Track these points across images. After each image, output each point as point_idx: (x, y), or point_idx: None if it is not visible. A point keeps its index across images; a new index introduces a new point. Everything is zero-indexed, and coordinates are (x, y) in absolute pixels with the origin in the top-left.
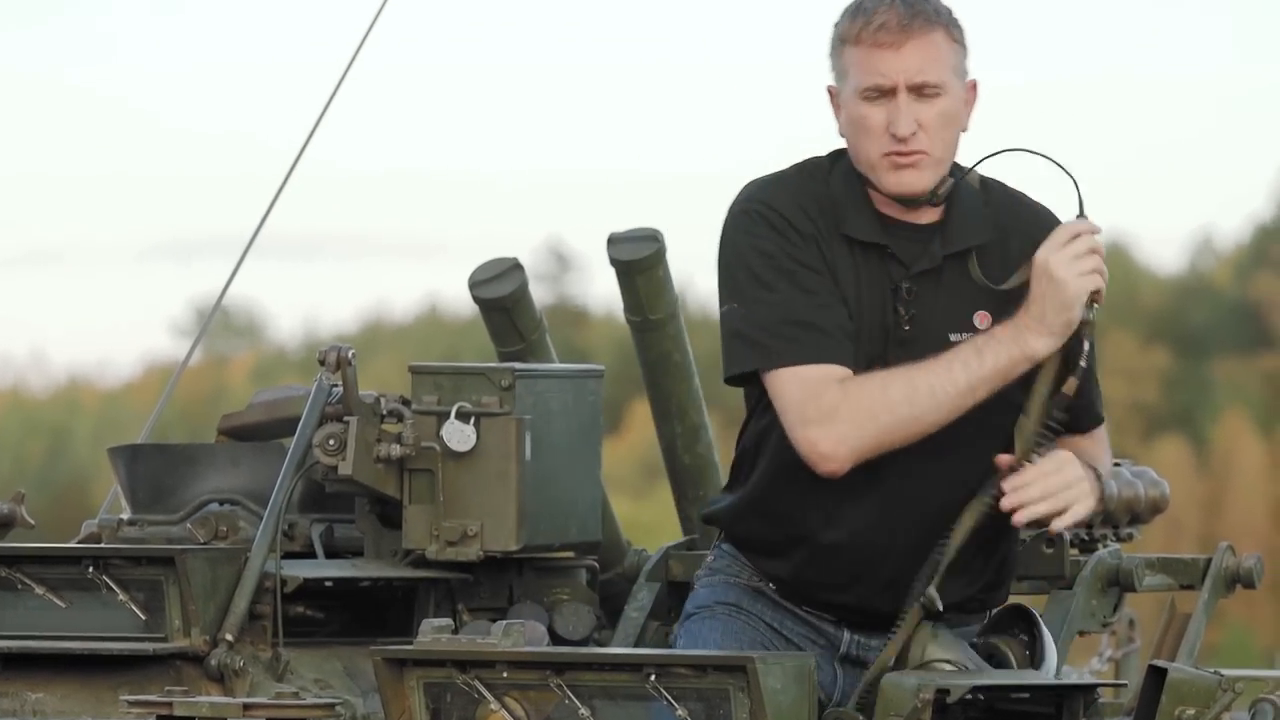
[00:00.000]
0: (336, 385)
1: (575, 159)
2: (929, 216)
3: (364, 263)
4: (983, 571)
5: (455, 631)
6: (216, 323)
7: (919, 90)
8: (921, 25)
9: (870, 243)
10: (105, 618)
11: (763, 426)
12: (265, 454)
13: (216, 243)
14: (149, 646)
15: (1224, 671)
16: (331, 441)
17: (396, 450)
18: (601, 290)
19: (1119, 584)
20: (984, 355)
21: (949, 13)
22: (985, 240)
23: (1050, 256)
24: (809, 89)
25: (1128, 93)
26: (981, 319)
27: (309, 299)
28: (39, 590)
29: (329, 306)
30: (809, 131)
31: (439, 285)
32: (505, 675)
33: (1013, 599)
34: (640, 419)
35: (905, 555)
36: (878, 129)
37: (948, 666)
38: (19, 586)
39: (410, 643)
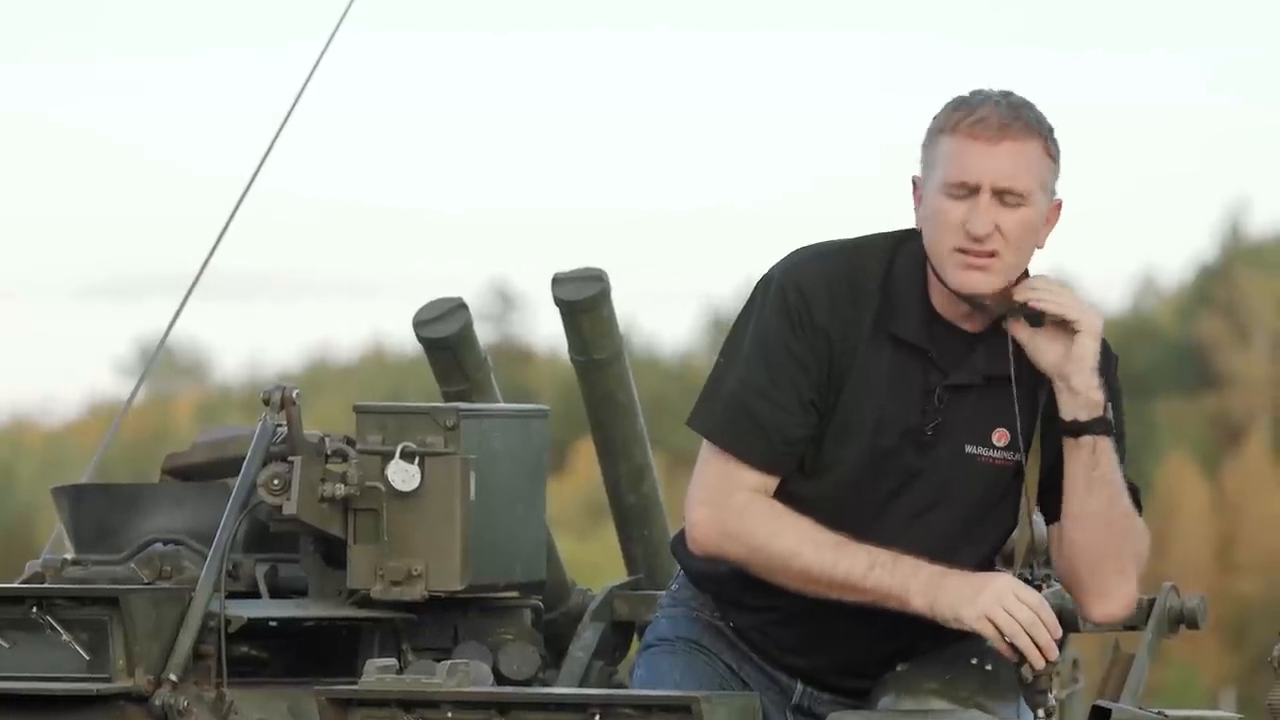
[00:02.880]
0: (281, 425)
1: (519, 199)
2: (978, 325)
3: (308, 302)
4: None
5: (400, 671)
6: (161, 362)
7: (1003, 195)
8: (1020, 130)
9: (914, 344)
10: (49, 658)
11: None
12: (209, 494)
13: (154, 282)
14: (93, 687)
15: (1168, 712)
16: (276, 481)
17: (341, 490)
18: (546, 330)
19: (1063, 624)
20: (872, 572)
21: (1050, 128)
22: (1024, 374)
23: (995, 582)
24: (752, 130)
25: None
26: (1000, 437)
27: (253, 338)
28: None
29: (273, 346)
30: (752, 171)
31: (383, 325)
32: (450, 715)
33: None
34: (585, 459)
35: (864, 632)
36: (955, 224)
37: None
38: None
39: (355, 683)
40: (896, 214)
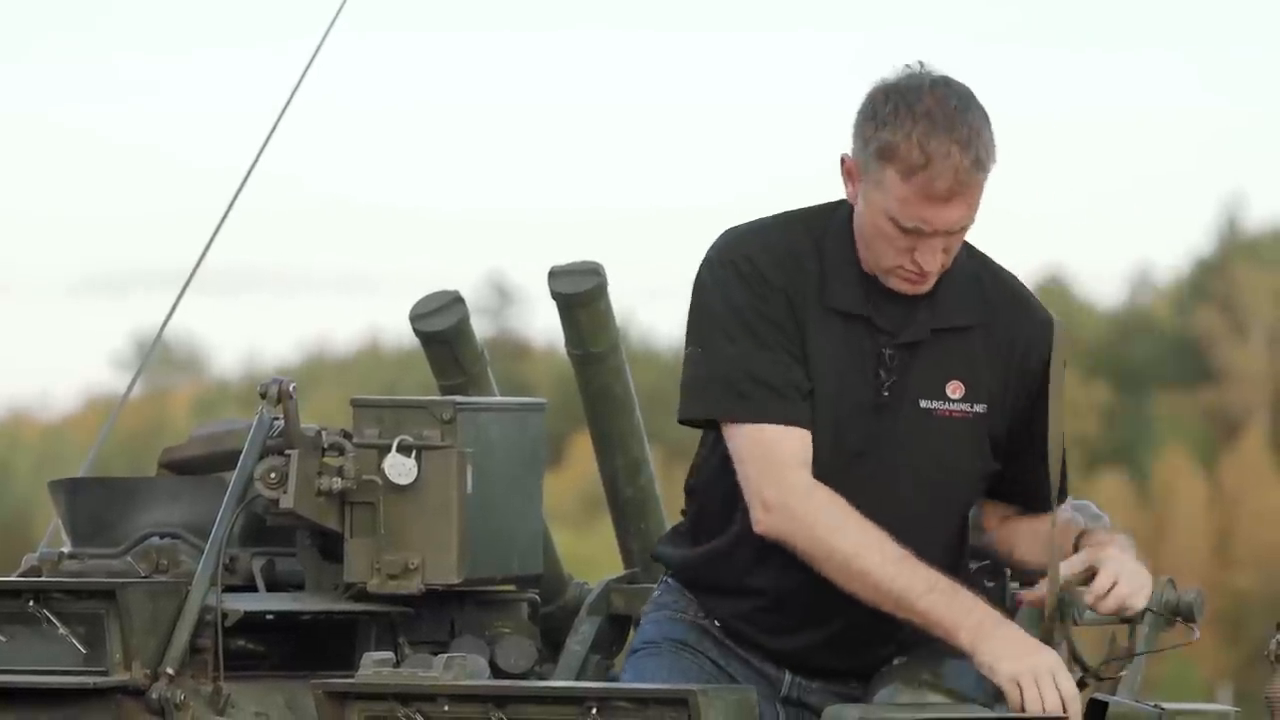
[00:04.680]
0: (278, 419)
1: (516, 194)
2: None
3: (305, 296)
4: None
5: (397, 665)
6: (157, 356)
7: (951, 232)
8: (977, 177)
9: (855, 314)
10: (46, 651)
11: (730, 485)
12: (206, 487)
13: (149, 277)
14: (90, 680)
15: (1165, 705)
16: (273, 475)
17: (338, 483)
18: (543, 324)
19: (1062, 618)
20: (928, 595)
21: (995, 147)
22: (974, 321)
23: (1043, 655)
24: (744, 128)
25: (1066, 132)
26: (954, 389)
27: (250, 333)
28: None
29: (270, 340)
30: (749, 169)
31: (380, 319)
32: (447, 709)
33: None
34: (582, 452)
35: (854, 612)
36: (901, 250)
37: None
38: None
39: (352, 676)
40: None
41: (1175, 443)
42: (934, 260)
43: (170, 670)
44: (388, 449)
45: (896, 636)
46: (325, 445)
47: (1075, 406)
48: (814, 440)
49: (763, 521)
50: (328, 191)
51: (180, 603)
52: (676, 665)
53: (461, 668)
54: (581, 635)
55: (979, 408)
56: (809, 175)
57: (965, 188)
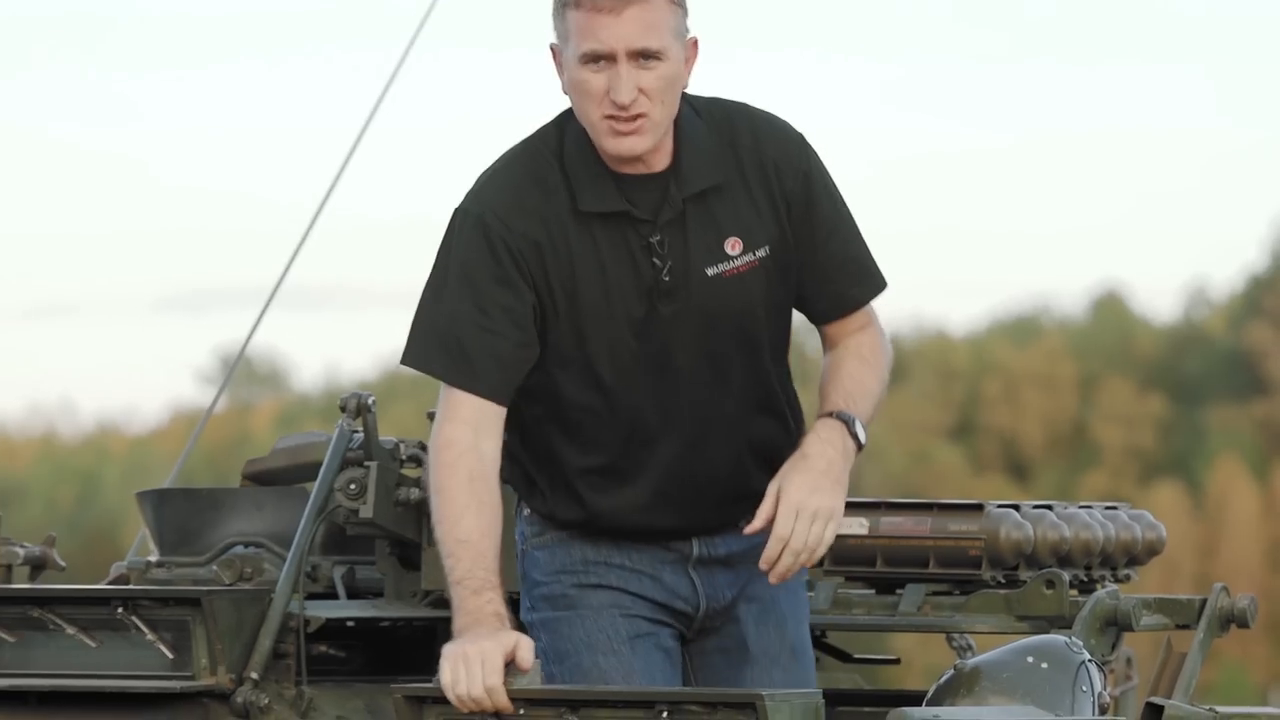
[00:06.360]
0: (357, 431)
1: None
2: (661, 163)
3: (383, 312)
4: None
5: None
6: (240, 371)
7: (639, 56)
8: None
9: (610, 212)
10: (134, 657)
11: (564, 419)
12: (288, 498)
13: (227, 294)
14: (176, 685)
15: (1219, 709)
16: (352, 486)
17: (415, 494)
18: None
19: (1117, 624)
20: (457, 586)
21: None
22: (721, 177)
23: (466, 648)
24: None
25: (1122, 148)
26: (733, 245)
27: (330, 348)
28: (70, 630)
29: (349, 355)
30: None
31: None
32: (521, 712)
33: (1013, 639)
34: None
35: (721, 477)
36: (598, 94)
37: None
38: (51, 627)
39: (429, 680)
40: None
41: (1229, 453)
42: (628, 91)
43: (254, 675)
44: None
45: (762, 474)
46: (403, 457)
47: (1131, 419)
48: (610, 342)
49: (429, 453)
50: (405, 209)
51: (264, 610)
52: (598, 622)
53: (537, 672)
54: None
55: (761, 252)
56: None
57: (628, 1)
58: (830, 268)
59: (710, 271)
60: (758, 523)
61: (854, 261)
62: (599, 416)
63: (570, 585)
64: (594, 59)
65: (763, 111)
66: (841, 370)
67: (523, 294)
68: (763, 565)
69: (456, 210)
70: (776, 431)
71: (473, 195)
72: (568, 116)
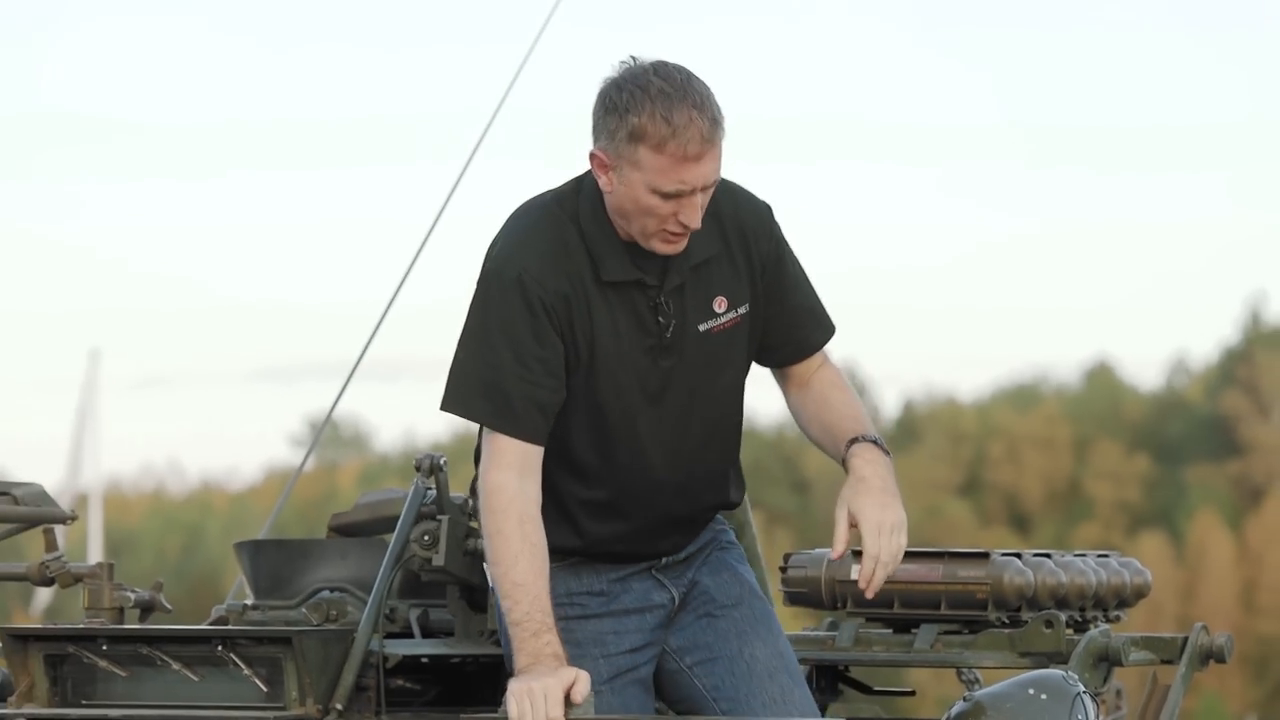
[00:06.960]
0: (431, 488)
1: None
2: None
3: None
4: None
5: None
6: (327, 435)
7: (706, 187)
8: (718, 135)
9: (627, 281)
10: (232, 690)
11: (563, 466)
12: (369, 548)
13: (315, 366)
14: (270, 715)
15: None
16: (426, 537)
17: (482, 544)
18: None
19: (1108, 659)
20: (516, 627)
21: (720, 108)
22: (716, 247)
23: (533, 682)
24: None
25: (1112, 238)
26: (719, 304)
27: (407, 414)
28: (175, 666)
29: (425, 420)
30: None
31: None
32: None
33: (1016, 674)
34: None
35: (680, 503)
36: (664, 215)
37: None
38: (158, 663)
39: (496, 712)
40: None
41: (1207, 508)
42: (697, 216)
43: (339, 706)
44: None
45: (712, 493)
46: (471, 511)
47: (1119, 476)
48: (618, 390)
49: (482, 487)
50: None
51: (347, 647)
52: (581, 666)
53: (590, 702)
54: None
55: (742, 309)
56: None
57: (710, 144)
58: (795, 317)
59: (702, 328)
60: (840, 547)
61: (811, 311)
62: (603, 454)
63: (557, 620)
64: (672, 194)
65: (735, 184)
66: (831, 403)
67: (555, 345)
68: (861, 584)
69: (489, 271)
70: (732, 462)
71: (504, 258)
72: (584, 182)
